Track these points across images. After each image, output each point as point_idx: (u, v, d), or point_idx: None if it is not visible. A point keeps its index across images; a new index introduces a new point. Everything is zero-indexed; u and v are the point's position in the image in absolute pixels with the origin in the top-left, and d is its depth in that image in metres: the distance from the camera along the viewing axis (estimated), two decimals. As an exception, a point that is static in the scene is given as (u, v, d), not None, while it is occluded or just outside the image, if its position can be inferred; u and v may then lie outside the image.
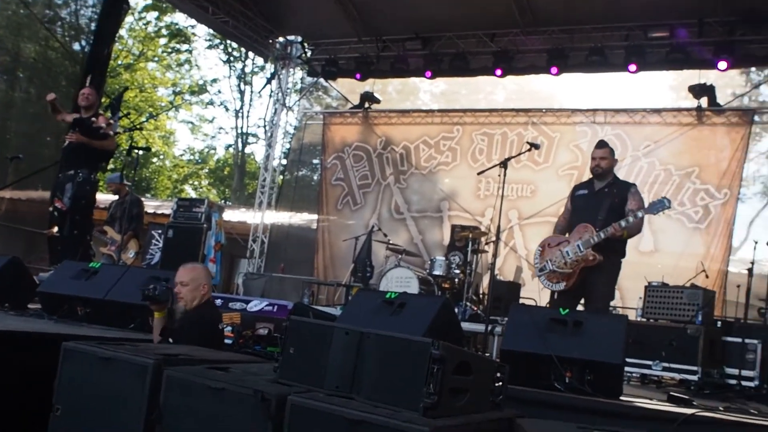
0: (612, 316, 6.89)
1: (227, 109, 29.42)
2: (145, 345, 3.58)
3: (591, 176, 6.00)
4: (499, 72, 10.93)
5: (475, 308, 8.41)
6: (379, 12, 11.68)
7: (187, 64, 27.70)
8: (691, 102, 10.57)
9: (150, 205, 14.97)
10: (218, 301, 6.02)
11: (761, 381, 6.28)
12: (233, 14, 11.94)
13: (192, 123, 29.04)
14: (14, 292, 5.19)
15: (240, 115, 26.63)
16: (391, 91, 13.47)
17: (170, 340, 4.02)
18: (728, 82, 10.71)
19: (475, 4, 10.65)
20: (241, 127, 26.69)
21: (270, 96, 13.88)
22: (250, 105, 26.40)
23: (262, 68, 25.78)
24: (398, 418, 2.35)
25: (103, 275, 5.12)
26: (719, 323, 7.17)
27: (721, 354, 6.52)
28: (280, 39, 13.28)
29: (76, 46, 14.46)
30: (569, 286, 5.61)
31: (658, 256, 10.22)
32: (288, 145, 14.58)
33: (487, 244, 9.10)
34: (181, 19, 25.95)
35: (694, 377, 6.10)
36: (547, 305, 6.38)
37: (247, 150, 27.45)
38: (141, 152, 7.52)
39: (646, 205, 5.57)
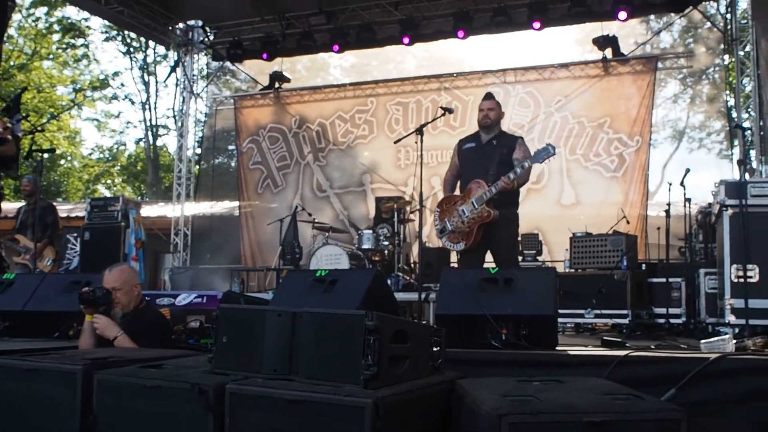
0: (541, 269, 7.07)
1: (133, 103, 28.64)
2: (72, 351, 3.50)
3: (477, 129, 5.94)
4: (406, 40, 10.96)
5: (408, 278, 8.45)
6: (280, -12, 11.44)
7: (84, 59, 26.74)
8: (596, 54, 10.83)
9: (62, 209, 14.32)
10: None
11: (687, 317, 6.58)
12: (127, 2, 11.40)
13: (97, 120, 28.19)
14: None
15: (147, 107, 25.96)
16: (301, 69, 13.28)
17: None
18: (630, 31, 11.00)
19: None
20: (150, 120, 26.05)
21: (176, 85, 13.57)
22: (156, 96, 25.87)
23: (165, 57, 25.19)
24: (339, 392, 2.34)
25: (19, 286, 4.89)
26: (644, 266, 7.41)
27: (648, 295, 6.78)
28: (180, 25, 12.87)
29: (-38, 50, 13.64)
30: (469, 245, 5.60)
31: (580, 208, 10.52)
32: (200, 134, 14.29)
33: (412, 213, 9.12)
34: (73, 12, 25.02)
35: (625, 320, 6.33)
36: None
37: (159, 142, 26.80)
38: (45, 155, 7.19)
39: (533, 153, 5.57)
